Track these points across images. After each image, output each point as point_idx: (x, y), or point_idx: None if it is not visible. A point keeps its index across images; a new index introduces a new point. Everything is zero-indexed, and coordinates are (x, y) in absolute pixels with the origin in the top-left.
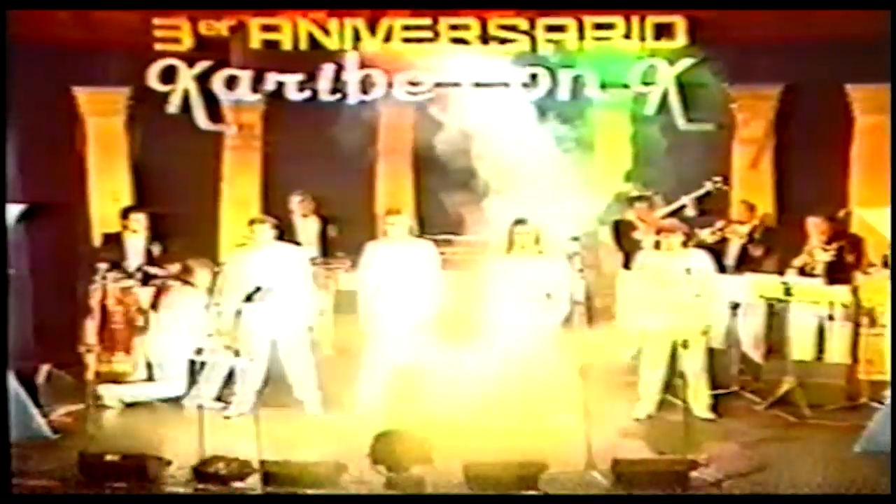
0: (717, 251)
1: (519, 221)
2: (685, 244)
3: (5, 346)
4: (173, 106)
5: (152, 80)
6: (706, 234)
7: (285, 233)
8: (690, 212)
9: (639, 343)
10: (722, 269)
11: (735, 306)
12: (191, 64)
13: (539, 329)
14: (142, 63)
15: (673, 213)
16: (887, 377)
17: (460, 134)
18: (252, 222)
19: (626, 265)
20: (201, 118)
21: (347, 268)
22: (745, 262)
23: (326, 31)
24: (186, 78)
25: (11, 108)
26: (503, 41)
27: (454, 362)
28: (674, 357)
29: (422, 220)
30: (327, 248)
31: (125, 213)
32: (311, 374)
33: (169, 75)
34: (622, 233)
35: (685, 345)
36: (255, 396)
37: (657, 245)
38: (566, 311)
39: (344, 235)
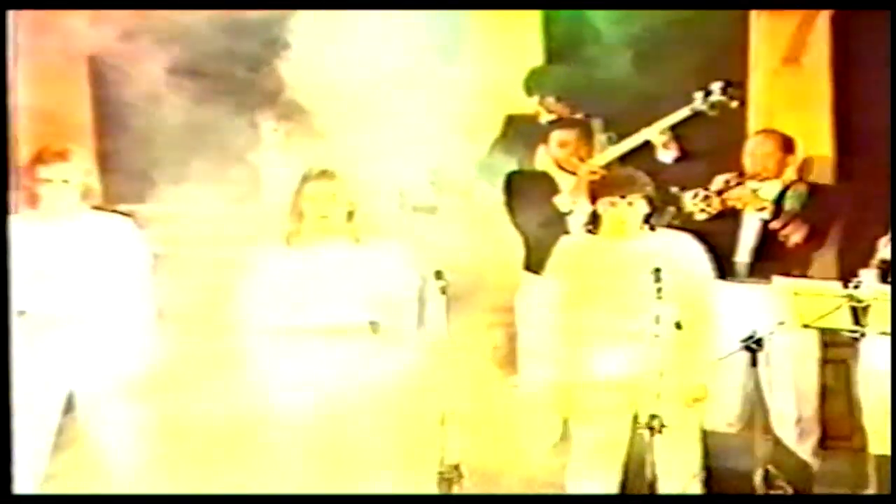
0: (713, 234)
1: (314, 175)
2: (650, 221)
3: (7, 345)
4: None
5: None
6: (693, 201)
7: None
8: (663, 155)
9: (563, 419)
10: (724, 270)
11: (754, 346)
12: None
13: (357, 392)
14: None
15: (627, 157)
16: None
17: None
18: None
19: (530, 264)
20: None
21: None
22: (772, 257)
23: None
24: None
25: None
26: None
27: (192, 451)
28: (634, 446)
29: (108, 173)
30: None
31: None
32: None
33: None
34: (527, 195)
35: (656, 425)
36: None
37: (594, 221)
38: (411, 356)
39: None
